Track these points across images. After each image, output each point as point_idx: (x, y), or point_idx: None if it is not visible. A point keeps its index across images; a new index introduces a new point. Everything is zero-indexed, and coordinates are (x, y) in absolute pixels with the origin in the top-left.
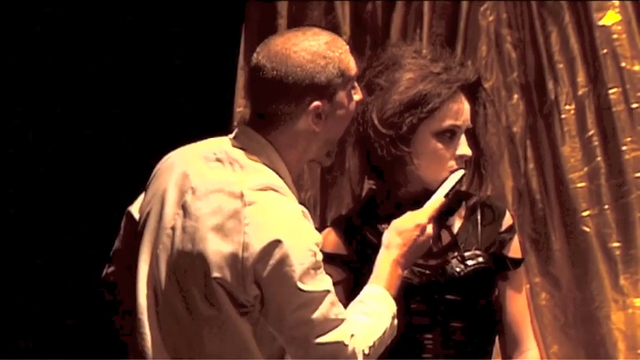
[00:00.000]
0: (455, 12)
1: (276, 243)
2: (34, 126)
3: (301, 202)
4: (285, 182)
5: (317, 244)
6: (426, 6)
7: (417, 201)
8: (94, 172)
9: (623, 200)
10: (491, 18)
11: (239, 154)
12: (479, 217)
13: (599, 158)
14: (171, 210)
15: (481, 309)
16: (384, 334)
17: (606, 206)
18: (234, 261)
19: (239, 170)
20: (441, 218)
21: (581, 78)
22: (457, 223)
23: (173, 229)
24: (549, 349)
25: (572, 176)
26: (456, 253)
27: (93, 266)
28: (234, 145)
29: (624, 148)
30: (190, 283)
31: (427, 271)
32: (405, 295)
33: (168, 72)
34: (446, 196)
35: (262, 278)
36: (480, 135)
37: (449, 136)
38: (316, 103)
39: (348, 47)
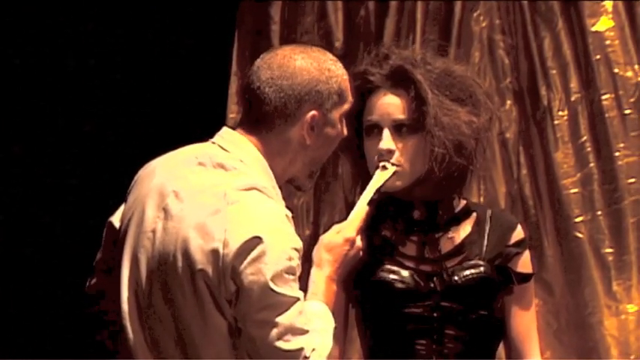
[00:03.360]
0: (448, 18)
1: (256, 239)
2: (24, 132)
3: (294, 208)
4: (271, 185)
5: (296, 250)
6: (419, 12)
7: (402, 201)
8: (81, 177)
9: (616, 206)
10: (484, 24)
11: (223, 158)
12: (487, 229)
13: (592, 164)
14: (151, 213)
15: (480, 319)
16: (329, 350)
17: (599, 212)
18: (216, 258)
19: (223, 173)
20: (431, 228)
21: (574, 84)
22: (463, 232)
23: (154, 231)
24: (542, 355)
25: (565, 182)
26: (456, 261)
27: (76, 277)
28: (218, 148)
29: (617, 154)
30: (173, 283)
31: (425, 277)
32: (401, 299)
33: (161, 78)
34: (369, 204)
35: (238, 272)
36: (434, 132)
37: (376, 132)
38: (314, 112)
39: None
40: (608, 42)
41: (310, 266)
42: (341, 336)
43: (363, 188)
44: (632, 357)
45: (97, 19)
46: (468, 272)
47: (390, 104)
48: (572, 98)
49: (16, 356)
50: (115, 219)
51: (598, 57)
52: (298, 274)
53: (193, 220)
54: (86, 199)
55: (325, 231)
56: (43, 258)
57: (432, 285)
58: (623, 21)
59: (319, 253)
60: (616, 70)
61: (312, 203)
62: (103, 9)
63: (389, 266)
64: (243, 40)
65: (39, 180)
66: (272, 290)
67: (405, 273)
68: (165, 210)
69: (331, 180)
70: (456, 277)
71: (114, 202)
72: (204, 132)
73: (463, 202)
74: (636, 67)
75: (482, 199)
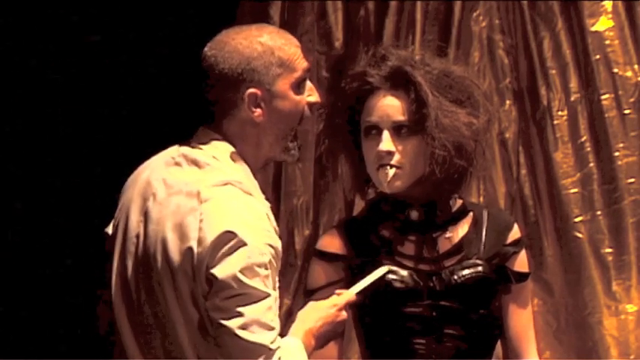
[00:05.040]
0: (447, 18)
1: (229, 234)
2: (28, 131)
3: (293, 208)
4: (247, 177)
5: (271, 246)
6: (419, 12)
7: (400, 201)
8: (83, 178)
9: (615, 206)
10: (483, 24)
11: (198, 155)
12: (484, 228)
13: (591, 164)
14: (135, 218)
15: (479, 318)
16: None
17: (599, 212)
18: (191, 256)
19: (197, 171)
20: (429, 228)
21: (573, 84)
22: (461, 232)
23: (137, 236)
24: (542, 355)
25: (565, 182)
26: (454, 261)
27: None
28: (192, 147)
29: (617, 154)
30: (156, 285)
31: (424, 277)
32: (400, 298)
33: (161, 79)
34: (358, 294)
35: (210, 267)
36: (434, 133)
37: (374, 133)
38: (251, 90)
39: (298, 44)
40: (607, 42)
41: (308, 266)
42: (339, 336)
43: (360, 189)
44: (631, 357)
45: (96, 19)
46: (466, 272)
47: (390, 106)
48: (572, 98)
49: (16, 356)
50: (109, 228)
51: (597, 57)
52: (274, 272)
53: (171, 221)
54: (87, 202)
55: (325, 231)
56: (41, 262)
57: (430, 284)
58: (622, 21)
59: (305, 309)
60: (615, 70)
61: (311, 203)
62: (102, 9)
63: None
64: None
65: (41, 181)
66: (240, 281)
67: (404, 272)
68: (146, 213)
69: (331, 180)
70: (455, 277)
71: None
72: None
73: (459, 202)
74: (636, 67)
75: (481, 199)
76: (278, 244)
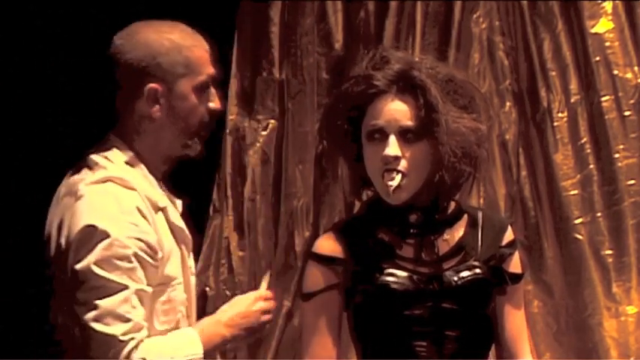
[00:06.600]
0: (447, 19)
1: (89, 228)
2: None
3: (293, 210)
4: (140, 173)
5: (139, 240)
6: (419, 13)
7: (402, 205)
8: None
9: (615, 208)
10: (483, 25)
11: (94, 157)
12: (480, 230)
13: (591, 166)
14: (48, 223)
15: (477, 319)
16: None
17: (599, 214)
18: (61, 253)
19: (87, 171)
20: (427, 230)
21: (573, 85)
22: (458, 234)
23: (49, 241)
24: (542, 356)
25: (565, 184)
26: (453, 263)
27: None
28: (94, 150)
29: (617, 155)
30: (55, 286)
31: (423, 279)
32: (400, 301)
33: None
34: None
35: (73, 261)
36: (444, 139)
37: (378, 137)
38: (152, 85)
39: (208, 48)
40: (607, 44)
41: (305, 266)
42: (336, 339)
43: (356, 192)
44: (631, 359)
45: (96, 18)
46: (465, 274)
47: (397, 110)
48: (572, 100)
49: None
50: None
51: (597, 59)
52: (150, 266)
53: (56, 221)
54: None
55: (325, 232)
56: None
57: (430, 287)
58: (622, 23)
59: (230, 303)
60: (615, 72)
61: (311, 205)
62: (102, 9)
63: (387, 269)
64: (242, 42)
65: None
66: (96, 274)
67: (403, 275)
68: (50, 219)
69: (331, 182)
70: (455, 278)
71: None
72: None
73: (453, 204)
74: (636, 68)
75: (481, 201)
76: (149, 237)
